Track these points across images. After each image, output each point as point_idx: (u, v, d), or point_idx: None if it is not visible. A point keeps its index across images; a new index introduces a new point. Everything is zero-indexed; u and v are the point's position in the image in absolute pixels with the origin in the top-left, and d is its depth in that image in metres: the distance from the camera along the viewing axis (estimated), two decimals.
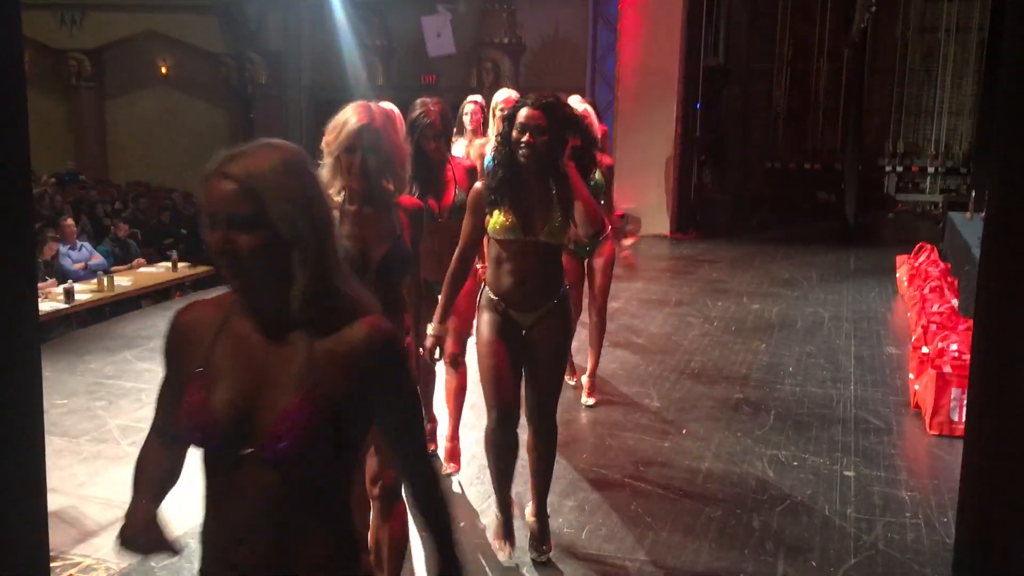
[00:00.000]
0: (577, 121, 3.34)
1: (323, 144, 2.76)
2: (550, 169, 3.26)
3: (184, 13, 17.26)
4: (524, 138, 3.18)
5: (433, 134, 3.96)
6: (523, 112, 3.20)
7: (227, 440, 1.52)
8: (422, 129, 3.94)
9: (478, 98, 5.45)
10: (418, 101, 4.75)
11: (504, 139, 3.26)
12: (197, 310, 1.70)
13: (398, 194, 2.88)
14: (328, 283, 1.55)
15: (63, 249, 9.28)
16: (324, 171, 2.74)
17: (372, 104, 2.82)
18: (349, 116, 2.74)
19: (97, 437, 4.82)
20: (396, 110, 4.02)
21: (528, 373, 3.43)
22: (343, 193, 2.82)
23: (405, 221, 2.90)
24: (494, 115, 4.84)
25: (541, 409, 3.45)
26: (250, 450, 1.50)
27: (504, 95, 4.87)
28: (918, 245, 8.80)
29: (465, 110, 5.28)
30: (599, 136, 6.32)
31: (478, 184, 3.42)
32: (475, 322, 3.60)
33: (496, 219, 3.27)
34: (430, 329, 3.33)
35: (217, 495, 1.56)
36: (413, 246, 2.94)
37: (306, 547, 1.54)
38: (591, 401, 5.38)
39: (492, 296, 3.38)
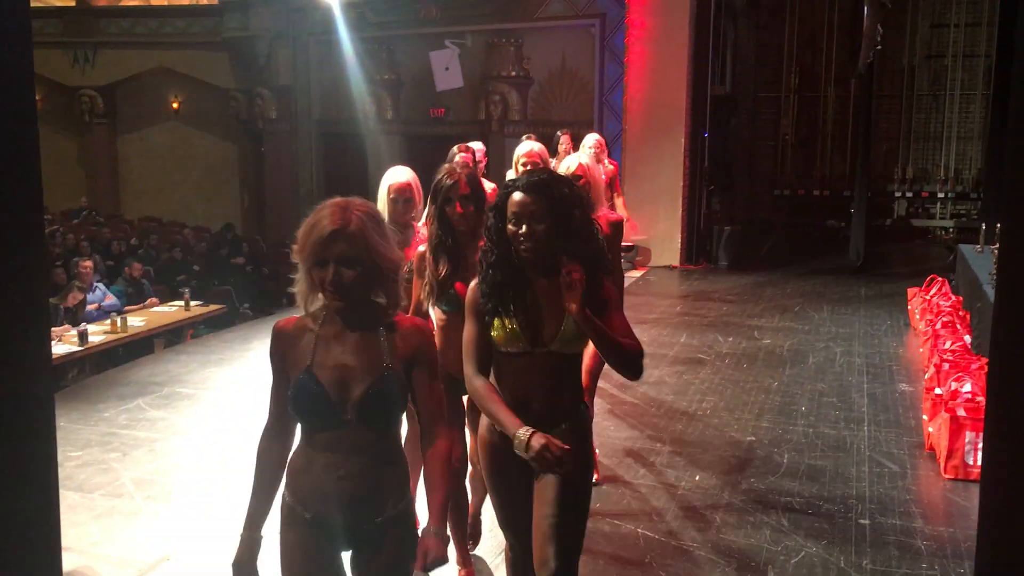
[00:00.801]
0: (579, 198, 2.76)
1: (293, 253, 2.25)
2: (556, 262, 2.65)
3: (194, 49, 17.49)
4: (522, 230, 2.62)
5: (459, 197, 3.31)
6: (515, 198, 2.64)
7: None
8: (445, 192, 3.34)
9: (478, 145, 5.46)
10: (454, 151, 4.95)
11: (496, 233, 2.70)
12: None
13: (393, 310, 2.32)
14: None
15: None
16: (298, 285, 2.26)
17: (352, 201, 2.24)
18: (320, 218, 2.18)
19: (111, 491, 4.83)
20: (480, 147, 4.22)
21: (538, 515, 2.71)
22: (322, 313, 2.30)
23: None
24: (516, 170, 4.60)
25: (556, 568, 2.62)
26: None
27: (527, 148, 4.61)
28: (929, 277, 8.78)
29: (455, 159, 5.05)
30: (610, 176, 6.65)
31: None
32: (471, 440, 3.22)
33: (496, 329, 2.69)
34: (520, 434, 2.53)
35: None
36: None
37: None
38: None
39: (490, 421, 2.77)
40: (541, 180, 2.68)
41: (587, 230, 2.70)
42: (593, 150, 7.33)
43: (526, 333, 2.68)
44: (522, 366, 2.71)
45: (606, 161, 7.40)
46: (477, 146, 5.47)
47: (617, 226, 4.31)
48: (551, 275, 2.66)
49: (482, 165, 5.54)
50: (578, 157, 4.24)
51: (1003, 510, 3.46)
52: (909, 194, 15.71)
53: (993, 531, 3.48)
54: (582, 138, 6.46)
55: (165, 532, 4.29)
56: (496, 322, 2.69)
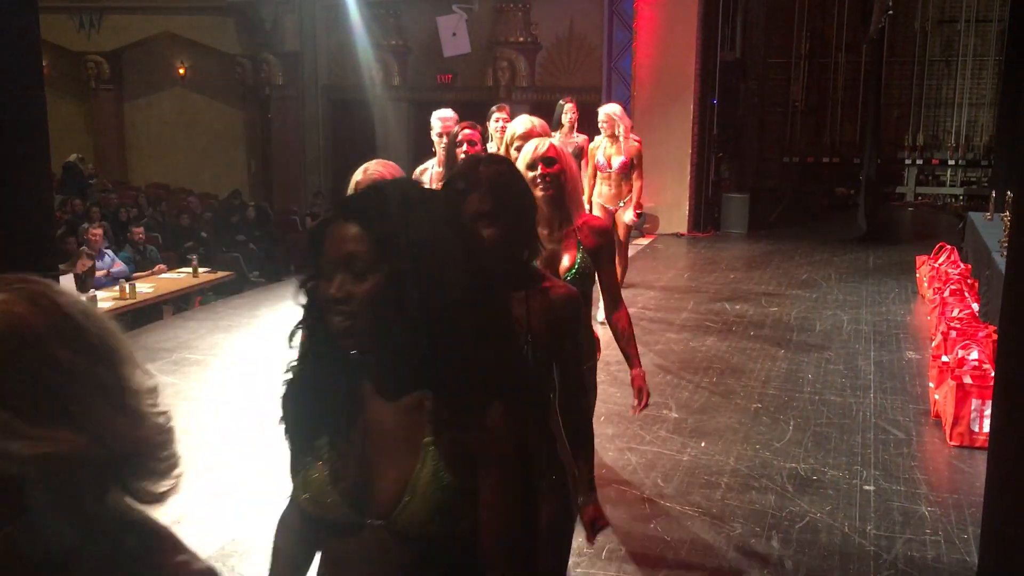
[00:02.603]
0: (530, 204, 2.27)
1: None
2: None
3: (200, 15, 17.35)
4: (332, 289, 1.54)
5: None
6: (332, 231, 1.57)
7: None
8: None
9: (447, 113, 5.59)
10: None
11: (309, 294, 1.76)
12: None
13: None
14: None
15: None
16: None
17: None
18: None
19: None
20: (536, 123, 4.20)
21: None
22: None
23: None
24: (507, 151, 4.14)
25: None
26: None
27: (524, 126, 4.13)
28: (938, 245, 8.74)
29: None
30: (631, 155, 7.22)
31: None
32: None
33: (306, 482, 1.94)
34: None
35: None
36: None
37: None
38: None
39: None
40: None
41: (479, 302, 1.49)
42: (605, 125, 7.29)
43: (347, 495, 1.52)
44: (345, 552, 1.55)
45: (632, 138, 7.40)
46: (447, 114, 5.55)
47: (603, 234, 3.11)
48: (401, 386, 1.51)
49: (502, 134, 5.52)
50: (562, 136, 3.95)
51: (1011, 478, 3.48)
52: (919, 161, 15.61)
53: (1001, 499, 3.51)
54: (590, 107, 6.45)
55: (174, 495, 4.33)
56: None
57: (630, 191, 7.30)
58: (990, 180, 13.04)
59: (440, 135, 5.34)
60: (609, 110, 7.34)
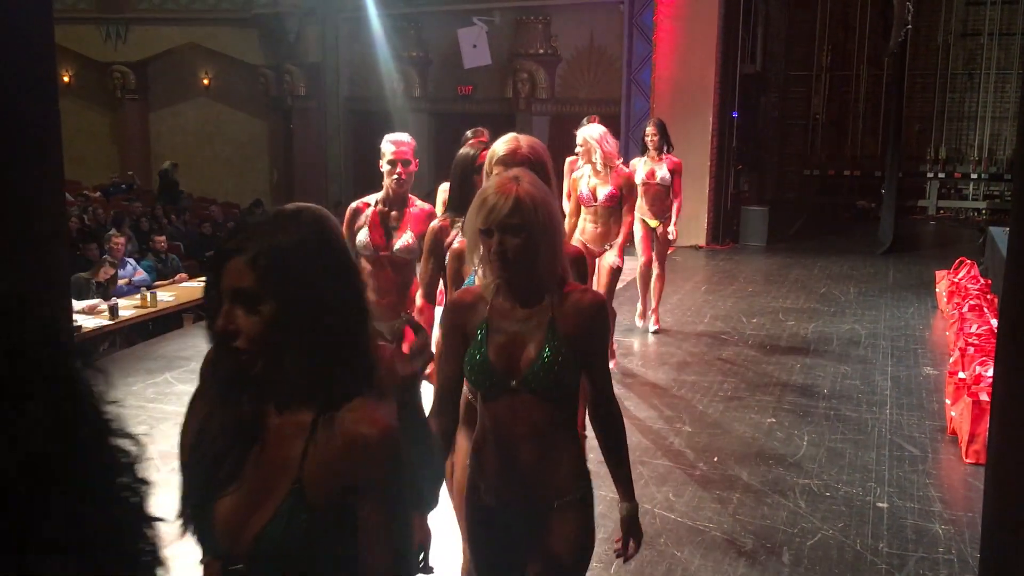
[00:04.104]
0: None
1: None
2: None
3: (225, 26, 17.57)
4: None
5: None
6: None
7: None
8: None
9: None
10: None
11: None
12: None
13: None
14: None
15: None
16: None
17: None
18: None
19: None
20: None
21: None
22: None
23: None
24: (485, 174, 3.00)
25: None
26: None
27: (506, 146, 2.83)
28: (958, 260, 8.68)
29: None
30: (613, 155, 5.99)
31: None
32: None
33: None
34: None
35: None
36: None
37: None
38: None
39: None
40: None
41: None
42: (581, 150, 6.04)
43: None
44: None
45: (668, 157, 7.19)
46: (402, 138, 4.38)
47: (592, 315, 2.27)
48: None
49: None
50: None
51: (1010, 496, 3.45)
52: (942, 175, 15.51)
53: (999, 518, 3.47)
54: (612, 120, 6.23)
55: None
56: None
57: (619, 229, 5.92)
58: (1014, 193, 12.93)
59: (392, 163, 4.21)
60: (587, 133, 6.00)
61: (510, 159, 2.74)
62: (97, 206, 13.42)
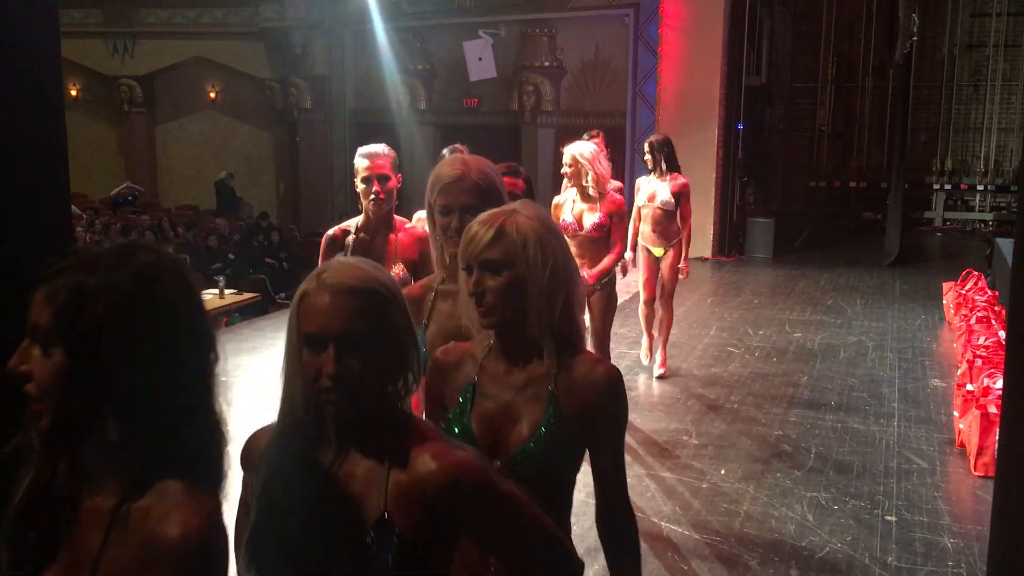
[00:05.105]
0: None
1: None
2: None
3: (231, 40, 17.67)
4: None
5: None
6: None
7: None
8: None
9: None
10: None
11: None
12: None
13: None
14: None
15: None
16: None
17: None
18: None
19: None
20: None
21: None
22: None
23: None
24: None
25: None
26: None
27: (452, 170, 2.28)
28: (965, 271, 8.66)
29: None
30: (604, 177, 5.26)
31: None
32: None
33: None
34: None
35: None
36: None
37: None
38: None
39: None
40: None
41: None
42: (570, 170, 5.24)
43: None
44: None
45: (676, 178, 6.38)
46: (379, 150, 3.64)
47: (602, 390, 1.94)
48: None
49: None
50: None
51: (1019, 509, 3.41)
52: (948, 186, 15.49)
53: (1007, 530, 3.44)
54: (617, 131, 5.98)
55: None
56: None
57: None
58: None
59: (367, 179, 3.56)
60: (575, 150, 5.24)
61: (456, 186, 2.23)
62: (108, 218, 13.48)
